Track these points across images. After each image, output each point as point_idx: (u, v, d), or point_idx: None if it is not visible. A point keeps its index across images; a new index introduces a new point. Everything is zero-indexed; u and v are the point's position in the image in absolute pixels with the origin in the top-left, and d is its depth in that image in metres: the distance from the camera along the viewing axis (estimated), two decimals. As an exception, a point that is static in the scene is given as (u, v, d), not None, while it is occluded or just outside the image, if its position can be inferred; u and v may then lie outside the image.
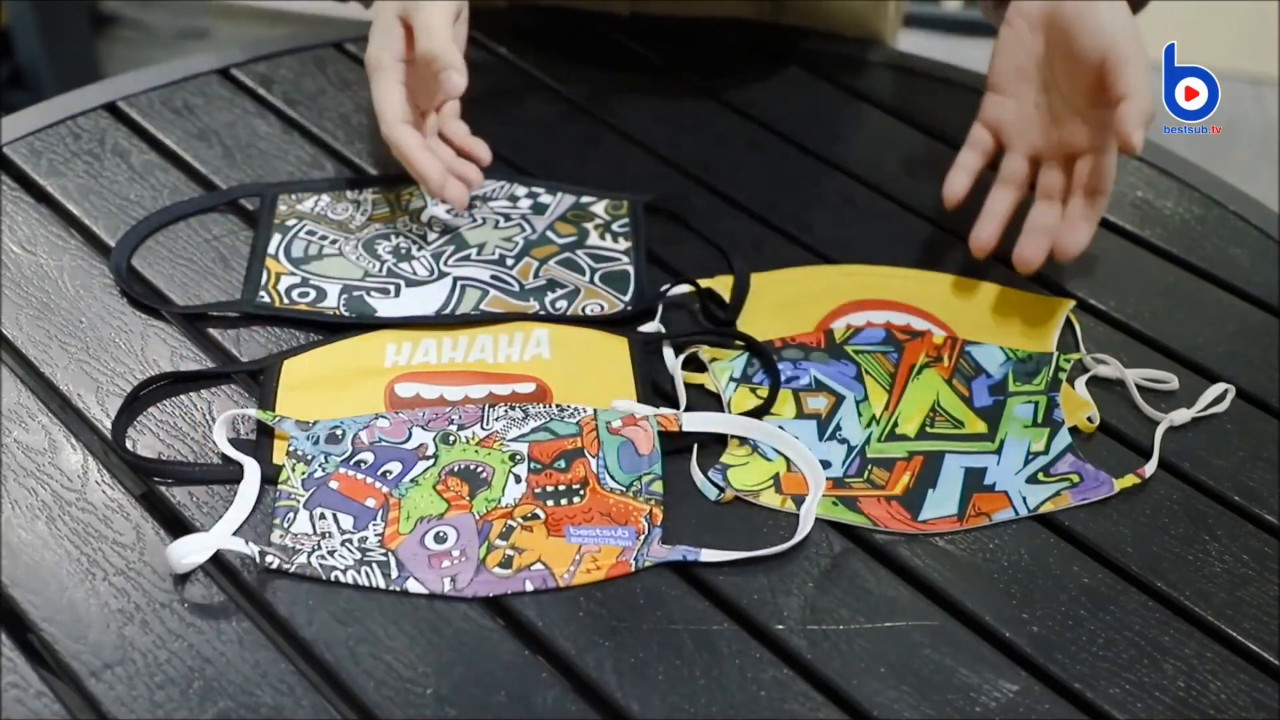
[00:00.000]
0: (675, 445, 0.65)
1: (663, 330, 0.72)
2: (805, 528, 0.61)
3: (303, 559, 0.58)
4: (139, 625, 0.55)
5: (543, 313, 0.72)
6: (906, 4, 1.15)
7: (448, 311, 0.72)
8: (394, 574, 0.58)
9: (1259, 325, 0.78)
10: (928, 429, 0.67)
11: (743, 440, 0.65)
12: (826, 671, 0.56)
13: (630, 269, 0.76)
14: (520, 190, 0.82)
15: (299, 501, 0.60)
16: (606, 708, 0.54)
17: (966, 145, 0.78)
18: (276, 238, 0.76)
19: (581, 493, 0.62)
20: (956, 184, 0.77)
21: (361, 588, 0.57)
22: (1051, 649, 0.58)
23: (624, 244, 0.78)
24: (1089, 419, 0.68)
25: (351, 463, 0.62)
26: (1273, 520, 0.65)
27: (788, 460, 0.65)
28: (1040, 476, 0.65)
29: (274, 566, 0.57)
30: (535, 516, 0.61)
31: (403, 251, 0.76)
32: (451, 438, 0.64)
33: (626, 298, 0.74)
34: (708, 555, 0.59)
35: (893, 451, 0.66)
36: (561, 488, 0.62)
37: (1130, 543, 0.63)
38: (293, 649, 0.55)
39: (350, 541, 0.59)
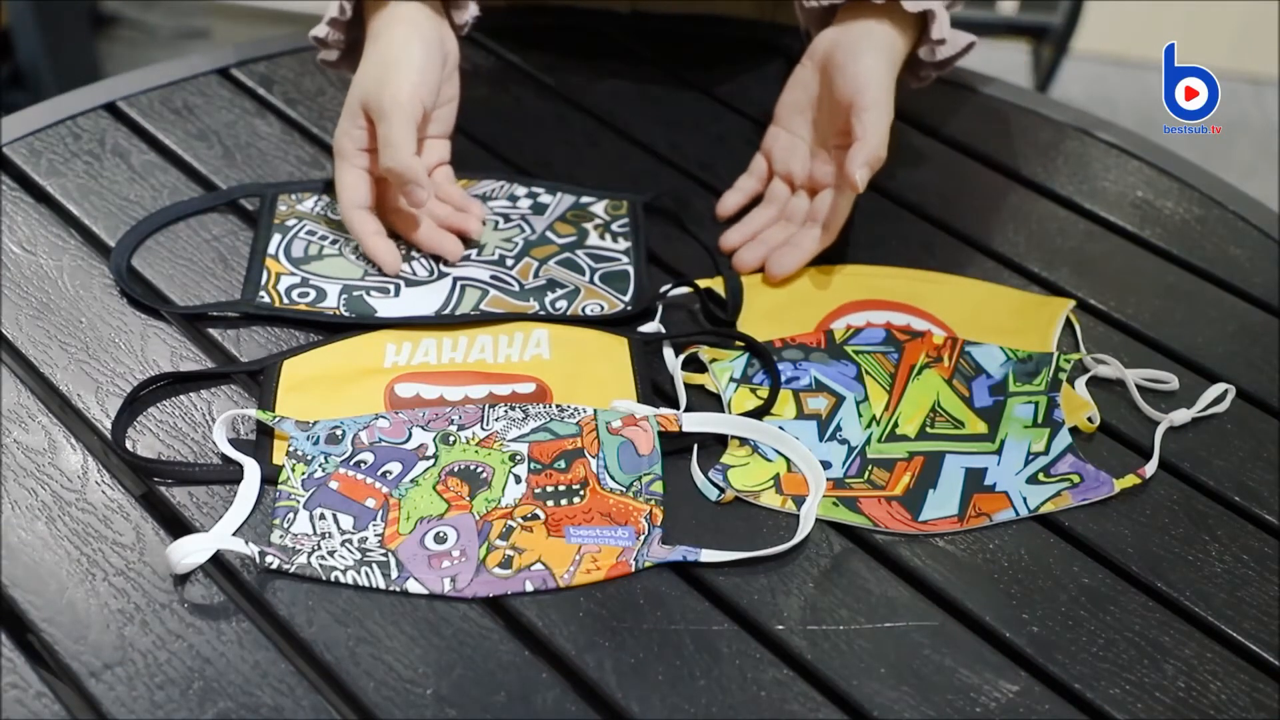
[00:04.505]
0: (675, 445, 0.65)
1: (663, 330, 0.72)
2: (805, 528, 0.61)
3: (303, 559, 0.58)
4: (139, 625, 0.55)
5: (543, 313, 0.72)
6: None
7: (447, 312, 0.72)
8: (394, 574, 0.58)
9: (1259, 325, 0.78)
10: (928, 429, 0.67)
11: (743, 441, 0.65)
12: (826, 672, 0.56)
13: (630, 269, 0.76)
14: (520, 190, 0.82)
15: (299, 502, 0.60)
16: (606, 708, 0.54)
17: (747, 171, 0.84)
18: (276, 238, 0.76)
19: (581, 493, 0.62)
20: (728, 202, 0.83)
21: (361, 588, 0.57)
22: (1051, 649, 0.58)
23: (624, 244, 0.78)
24: (1089, 419, 0.68)
25: (351, 463, 0.62)
26: (1273, 520, 0.65)
27: (788, 461, 0.65)
28: (1040, 477, 0.65)
29: (274, 567, 0.57)
30: (535, 517, 0.61)
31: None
32: (451, 438, 0.64)
33: (626, 298, 0.74)
34: (708, 555, 0.59)
35: (893, 452, 0.66)
36: (561, 488, 0.62)
37: (1130, 543, 0.63)
38: (293, 649, 0.55)
39: (350, 542, 0.59)
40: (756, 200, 0.83)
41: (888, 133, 0.74)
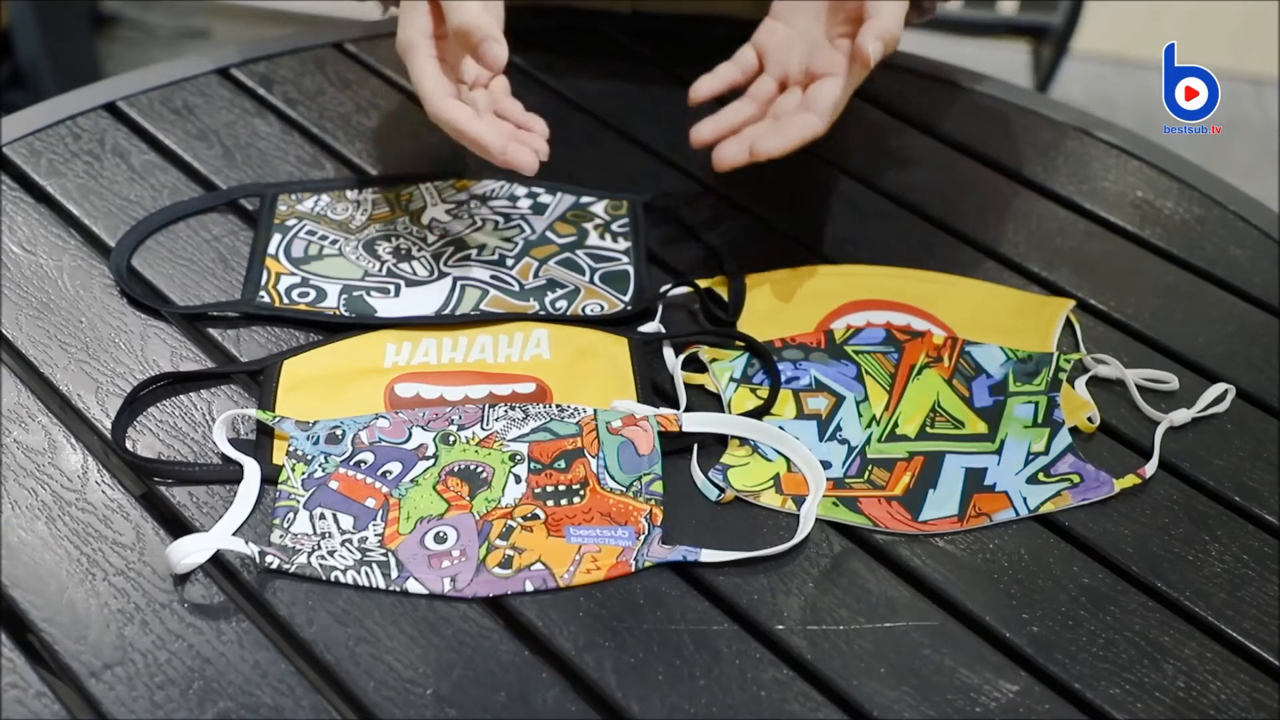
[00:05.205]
0: (675, 445, 0.65)
1: (663, 330, 0.72)
2: (805, 528, 0.61)
3: (303, 559, 0.58)
4: (139, 625, 0.55)
5: (543, 313, 0.72)
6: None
7: (448, 312, 0.72)
8: (394, 574, 0.58)
9: (1259, 325, 0.78)
10: (928, 429, 0.67)
11: (743, 441, 0.65)
12: (826, 672, 0.56)
13: (630, 269, 0.76)
14: (520, 190, 0.82)
15: (299, 502, 0.60)
16: (606, 708, 0.54)
17: (731, 59, 0.79)
18: (276, 238, 0.76)
19: (581, 493, 0.62)
20: (702, 86, 0.77)
21: (361, 588, 0.57)
22: (1051, 649, 0.58)
23: (624, 244, 0.78)
24: (1089, 419, 0.68)
25: (351, 463, 0.62)
26: (1273, 520, 0.65)
27: (788, 461, 0.65)
28: (1040, 477, 0.65)
29: (274, 566, 0.57)
30: (535, 517, 0.61)
31: (403, 251, 0.76)
32: (451, 438, 0.64)
33: (626, 298, 0.74)
34: (708, 555, 0.59)
35: (893, 452, 0.66)
36: (561, 488, 0.62)
37: (1130, 543, 0.63)
38: (293, 649, 0.55)
39: (350, 542, 0.59)
40: (734, 95, 0.78)
41: (903, 19, 0.71)
